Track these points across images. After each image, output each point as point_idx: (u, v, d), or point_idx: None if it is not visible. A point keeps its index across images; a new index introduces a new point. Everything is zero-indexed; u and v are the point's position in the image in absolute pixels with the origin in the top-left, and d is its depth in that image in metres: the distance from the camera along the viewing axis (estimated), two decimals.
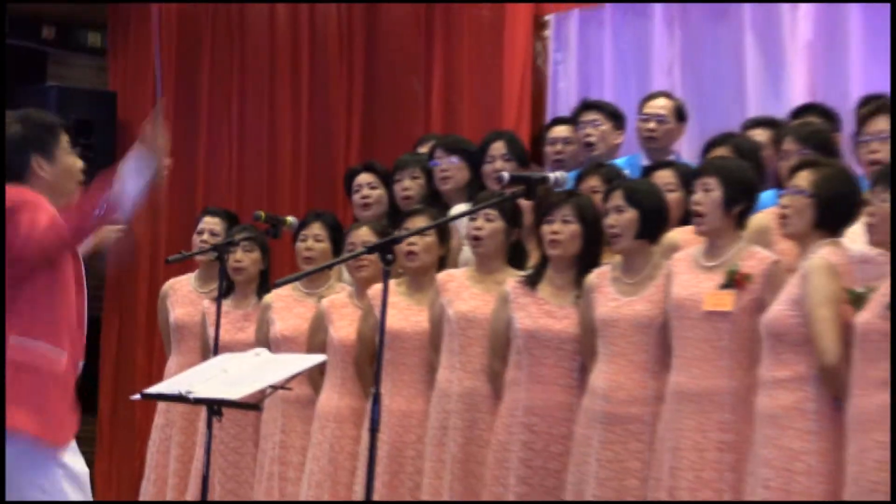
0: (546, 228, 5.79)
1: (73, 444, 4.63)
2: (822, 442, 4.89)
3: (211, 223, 7.39)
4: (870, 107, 5.62)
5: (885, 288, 4.75)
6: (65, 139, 4.79)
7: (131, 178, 4.54)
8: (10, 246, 4.51)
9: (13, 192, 4.61)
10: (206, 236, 7.36)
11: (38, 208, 4.55)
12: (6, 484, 4.55)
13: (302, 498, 6.50)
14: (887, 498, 4.63)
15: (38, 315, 4.59)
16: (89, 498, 4.64)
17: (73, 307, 4.70)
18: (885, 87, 6.25)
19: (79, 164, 4.84)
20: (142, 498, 7.52)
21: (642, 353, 5.48)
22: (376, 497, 5.42)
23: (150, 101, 10.26)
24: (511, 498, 5.67)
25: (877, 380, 4.70)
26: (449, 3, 8.76)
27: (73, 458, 4.60)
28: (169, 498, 7.35)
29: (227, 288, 7.03)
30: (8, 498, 4.54)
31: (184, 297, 7.60)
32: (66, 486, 4.55)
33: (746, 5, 7.32)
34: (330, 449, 6.45)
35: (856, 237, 5.08)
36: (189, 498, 7.11)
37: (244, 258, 7.16)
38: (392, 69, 9.18)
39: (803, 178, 5.09)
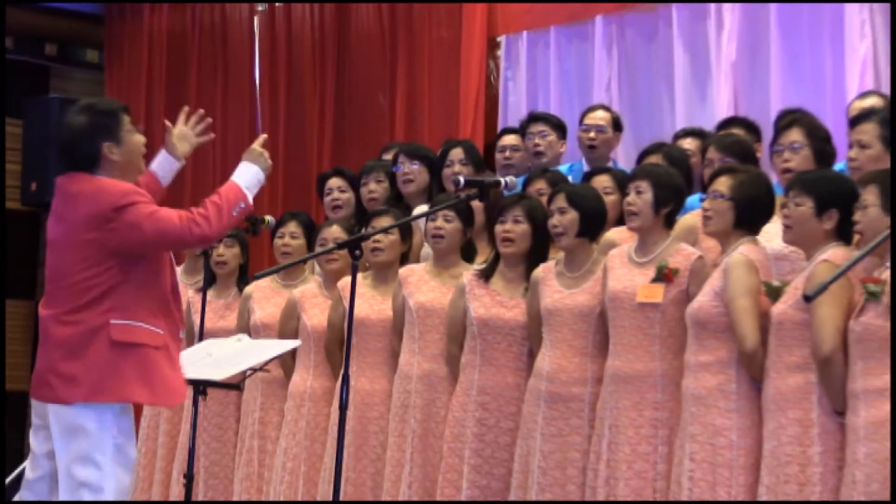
0: (499, 228, 5.78)
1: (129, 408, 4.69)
2: (742, 419, 4.91)
3: None
4: (784, 120, 5.63)
5: (797, 282, 4.79)
6: (127, 120, 4.75)
7: (248, 179, 4.77)
8: (125, 238, 4.52)
9: (109, 185, 4.58)
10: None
11: (147, 198, 4.61)
12: (65, 439, 4.59)
13: (278, 469, 6.48)
14: (801, 469, 4.65)
15: (139, 300, 4.59)
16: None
17: (167, 289, 4.72)
18: (801, 103, 6.25)
19: (142, 140, 4.81)
20: (134, 467, 7.47)
21: (582, 340, 5.47)
22: (344, 467, 5.39)
23: (143, 111, 10.24)
24: (466, 469, 5.66)
25: (791, 364, 4.75)
26: (411, 25, 8.79)
27: (127, 418, 4.65)
28: (158, 468, 7.33)
29: (209, 279, 7.05)
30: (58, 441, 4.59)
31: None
32: (114, 446, 4.58)
33: (675, 28, 7.34)
34: (306, 425, 6.41)
35: (771, 236, 5.11)
36: (175, 468, 7.08)
37: (226, 253, 7.18)
38: (360, 85, 9.18)
39: (723, 184, 5.11)
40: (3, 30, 7.39)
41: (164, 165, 5.01)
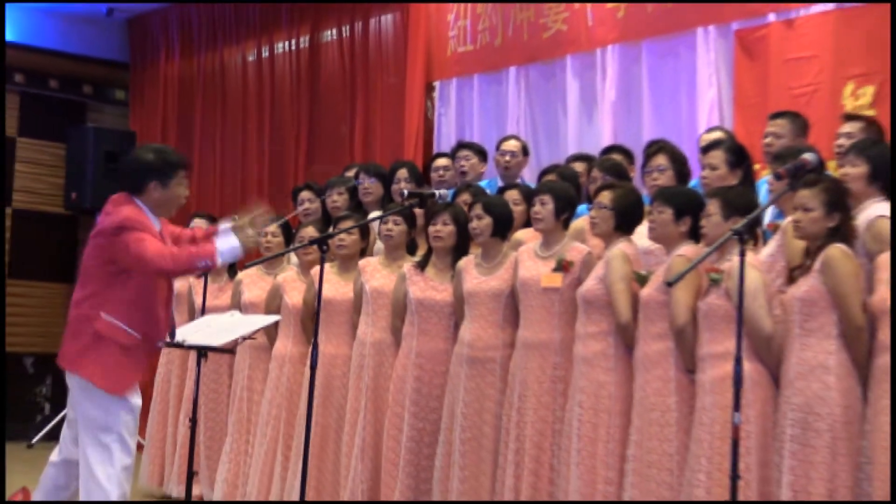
0: (432, 228, 5.82)
1: (136, 385, 4.64)
2: (618, 376, 4.98)
3: (199, 223, 7.27)
4: (652, 148, 5.70)
5: (660, 271, 4.86)
6: (181, 174, 4.72)
7: (227, 250, 4.65)
8: (118, 251, 4.51)
9: (130, 210, 4.57)
10: None
11: (144, 231, 4.53)
12: (75, 405, 4.60)
13: (263, 414, 6.50)
14: (662, 413, 4.71)
15: (126, 306, 4.57)
16: (136, 420, 4.65)
17: (156, 304, 4.66)
18: (664, 135, 6.33)
19: (185, 193, 4.79)
20: (151, 413, 7.50)
21: (495, 315, 5.50)
22: (314, 413, 5.40)
23: (158, 138, 10.25)
24: (407, 416, 5.68)
25: (654, 334, 4.81)
26: (367, 72, 8.80)
27: (135, 397, 4.62)
28: (170, 413, 7.37)
29: None
30: (77, 415, 4.59)
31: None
32: (124, 415, 4.58)
33: (569, 75, 7.38)
34: (286, 381, 6.42)
35: (641, 236, 5.16)
36: (182, 413, 7.12)
37: None
38: (327, 117, 9.14)
39: (605, 197, 5.17)
40: (3, 30, 7.23)
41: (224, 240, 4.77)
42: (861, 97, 6.03)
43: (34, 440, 9.36)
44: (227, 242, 4.69)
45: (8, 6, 10.29)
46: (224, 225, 4.85)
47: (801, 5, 6.31)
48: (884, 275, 4.31)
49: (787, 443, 4.36)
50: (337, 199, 6.93)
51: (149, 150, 4.77)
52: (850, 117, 5.53)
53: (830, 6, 6.20)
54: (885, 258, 4.36)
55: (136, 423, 4.63)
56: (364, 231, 6.42)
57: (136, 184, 4.67)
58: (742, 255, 4.02)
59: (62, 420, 4.94)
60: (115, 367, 4.54)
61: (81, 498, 4.55)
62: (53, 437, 5.06)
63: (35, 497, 4.84)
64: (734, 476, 3.84)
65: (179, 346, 5.30)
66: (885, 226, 4.47)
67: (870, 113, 5.73)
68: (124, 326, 4.56)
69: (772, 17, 6.43)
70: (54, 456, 4.76)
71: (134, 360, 4.61)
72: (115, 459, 4.51)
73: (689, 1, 6.73)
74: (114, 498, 4.49)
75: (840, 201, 4.46)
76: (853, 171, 4.73)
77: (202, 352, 5.35)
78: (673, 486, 4.67)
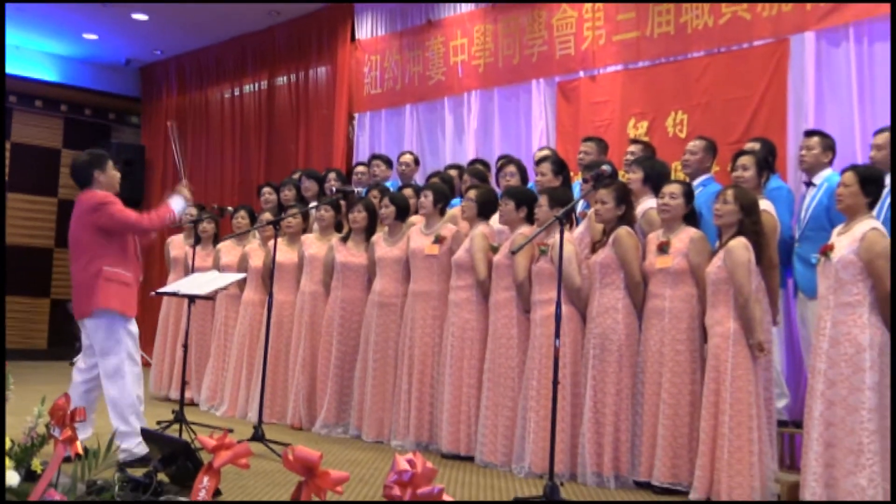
0: (351, 215, 5.69)
1: (133, 318, 4.45)
2: (478, 315, 4.91)
3: (191, 210, 7.03)
4: (503, 160, 5.65)
5: (506, 244, 4.79)
6: (110, 162, 4.54)
7: (178, 206, 4.59)
8: (104, 221, 4.33)
9: (98, 193, 4.41)
10: (188, 216, 6.99)
11: (119, 203, 4.42)
12: (92, 339, 4.37)
13: (235, 344, 6.30)
14: (507, 340, 4.67)
15: (117, 258, 4.39)
16: (138, 346, 4.46)
17: (132, 254, 4.50)
18: (510, 151, 6.33)
19: (118, 175, 4.58)
20: (156, 341, 7.23)
21: (397, 274, 5.38)
22: (270, 345, 5.26)
23: (162, 149, 10.04)
24: (334, 343, 5.57)
25: (503, 286, 4.76)
26: (308, 106, 8.61)
27: (133, 325, 4.42)
28: (168, 343, 7.07)
29: (197, 240, 6.85)
30: (94, 342, 4.34)
31: (177, 245, 7.27)
32: (126, 338, 4.37)
33: (446, 110, 7.32)
34: (251, 319, 6.24)
35: (495, 221, 5.10)
36: (178, 342, 6.81)
37: (208, 227, 6.96)
38: (280, 138, 8.93)
39: (472, 193, 5.11)
40: (3, 31, 6.91)
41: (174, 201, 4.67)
42: (640, 128, 6.08)
43: (73, 359, 9.03)
44: (176, 202, 4.60)
45: (55, 57, 9.94)
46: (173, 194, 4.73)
47: (601, 66, 6.34)
48: (651, 247, 4.39)
49: (590, 360, 4.38)
50: (287, 193, 6.75)
51: (83, 155, 4.57)
52: (633, 141, 5.58)
53: (619, 67, 6.24)
54: (653, 236, 4.45)
55: (136, 344, 4.43)
56: (305, 216, 6.27)
57: (86, 178, 4.45)
58: (562, 234, 3.99)
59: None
60: (125, 296, 4.38)
61: (106, 399, 4.33)
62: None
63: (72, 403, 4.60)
64: (555, 382, 3.82)
65: (175, 294, 5.13)
66: (653, 214, 4.54)
67: (645, 139, 5.79)
68: (122, 271, 4.39)
69: (581, 74, 6.47)
70: (77, 377, 4.51)
71: (133, 291, 4.44)
72: (126, 372, 4.31)
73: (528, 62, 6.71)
74: (130, 399, 4.31)
75: (626, 198, 4.50)
76: (634, 177, 4.80)
77: (192, 298, 5.19)
78: (514, 389, 4.65)
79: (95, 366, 4.43)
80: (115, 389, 4.30)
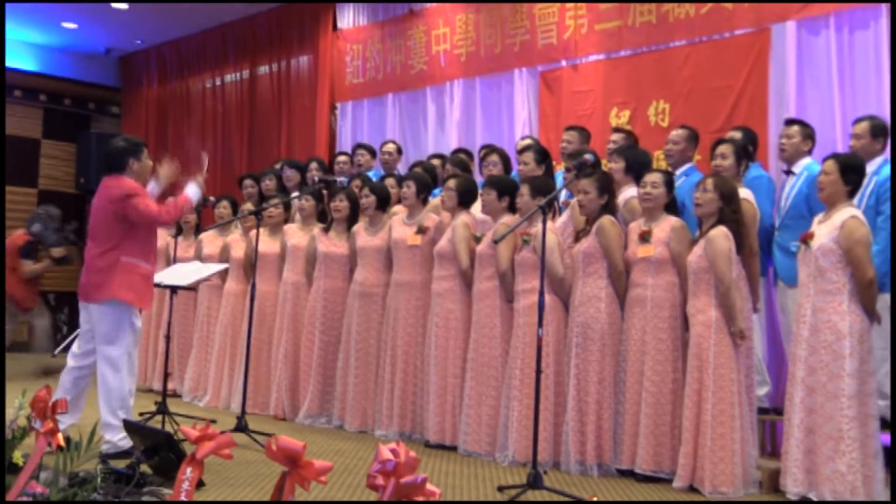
0: (333, 204, 5.64)
1: (139, 312, 4.43)
2: (462, 305, 4.88)
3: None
4: (486, 150, 5.63)
5: (489, 234, 4.76)
6: (146, 151, 4.52)
7: (194, 194, 4.58)
8: (130, 212, 4.30)
9: (128, 182, 4.37)
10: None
11: (146, 196, 4.39)
12: (94, 325, 4.33)
13: (218, 334, 6.25)
14: (490, 329, 4.66)
15: (138, 249, 4.36)
16: (138, 341, 4.46)
17: (153, 245, 4.49)
18: (494, 141, 6.31)
19: (151, 164, 4.56)
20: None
21: (378, 264, 5.36)
22: (253, 335, 5.23)
23: (146, 141, 9.80)
24: (316, 334, 5.53)
25: (485, 276, 4.74)
26: (290, 96, 8.56)
27: (138, 318, 4.39)
28: (150, 331, 7.00)
29: (178, 230, 6.77)
30: (96, 329, 4.31)
31: (159, 235, 7.09)
32: (130, 331, 4.33)
33: (429, 99, 7.30)
34: (233, 310, 6.18)
35: (477, 210, 5.07)
36: (160, 332, 6.75)
37: (190, 217, 6.87)
38: (262, 127, 8.90)
39: (453, 182, 5.07)
40: (3, 31, 6.81)
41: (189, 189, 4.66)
42: (622, 117, 6.07)
43: (56, 351, 8.98)
44: (192, 190, 4.59)
45: (34, 47, 9.81)
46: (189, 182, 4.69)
47: (583, 55, 6.33)
48: (633, 236, 4.38)
49: (573, 348, 4.37)
50: (269, 183, 6.69)
51: (120, 139, 4.53)
52: (616, 130, 5.57)
53: (601, 56, 6.23)
54: (634, 225, 4.43)
55: (138, 338, 4.41)
56: (287, 206, 6.21)
57: (120, 164, 4.39)
58: (544, 223, 3.98)
59: (76, 337, 4.63)
60: (142, 288, 4.34)
61: (99, 386, 4.31)
62: (69, 349, 4.86)
63: (56, 395, 4.53)
64: (538, 370, 3.82)
65: (158, 285, 5.04)
66: (635, 204, 4.53)
67: (627, 128, 5.78)
68: (142, 262, 4.36)
69: (564, 63, 6.45)
70: (71, 362, 4.47)
71: (149, 283, 4.41)
72: (123, 364, 4.28)
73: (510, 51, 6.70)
74: (123, 392, 4.27)
75: (608, 187, 4.48)
76: (616, 167, 4.78)
77: (174, 289, 5.15)
78: (498, 378, 4.64)
79: (91, 352, 4.39)
80: (112, 378, 4.26)
